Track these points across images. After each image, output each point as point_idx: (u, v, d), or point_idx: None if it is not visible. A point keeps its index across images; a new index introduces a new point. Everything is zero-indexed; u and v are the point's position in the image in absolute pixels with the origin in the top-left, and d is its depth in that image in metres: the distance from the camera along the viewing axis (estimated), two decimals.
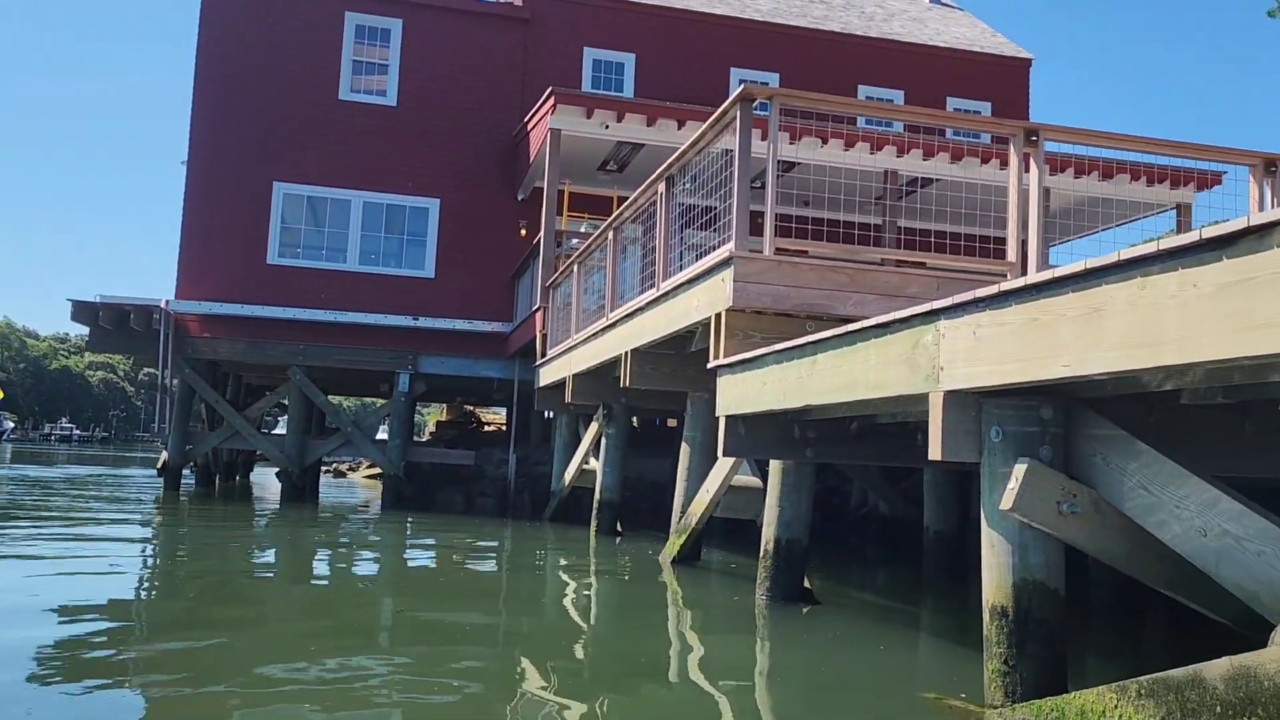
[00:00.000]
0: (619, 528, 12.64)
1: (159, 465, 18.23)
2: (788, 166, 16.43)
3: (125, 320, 17.26)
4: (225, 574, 8.66)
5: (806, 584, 7.60)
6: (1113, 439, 4.18)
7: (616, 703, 4.71)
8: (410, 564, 10.61)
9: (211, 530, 12.81)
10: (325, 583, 8.69)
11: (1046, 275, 3.85)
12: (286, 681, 4.71)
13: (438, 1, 19.00)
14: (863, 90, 20.92)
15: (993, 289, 4.18)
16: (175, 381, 17.43)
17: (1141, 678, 3.49)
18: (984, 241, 10.12)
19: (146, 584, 8.21)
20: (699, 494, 9.02)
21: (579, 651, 5.98)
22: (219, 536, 11.98)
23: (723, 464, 8.54)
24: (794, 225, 9.17)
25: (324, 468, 34.08)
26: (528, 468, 18.38)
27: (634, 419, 21.14)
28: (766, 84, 20.40)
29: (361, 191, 18.35)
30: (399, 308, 18.15)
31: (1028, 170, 7.80)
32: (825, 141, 15.67)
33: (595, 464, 13.24)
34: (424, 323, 18.11)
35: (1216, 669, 3.20)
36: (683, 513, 9.58)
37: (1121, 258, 3.45)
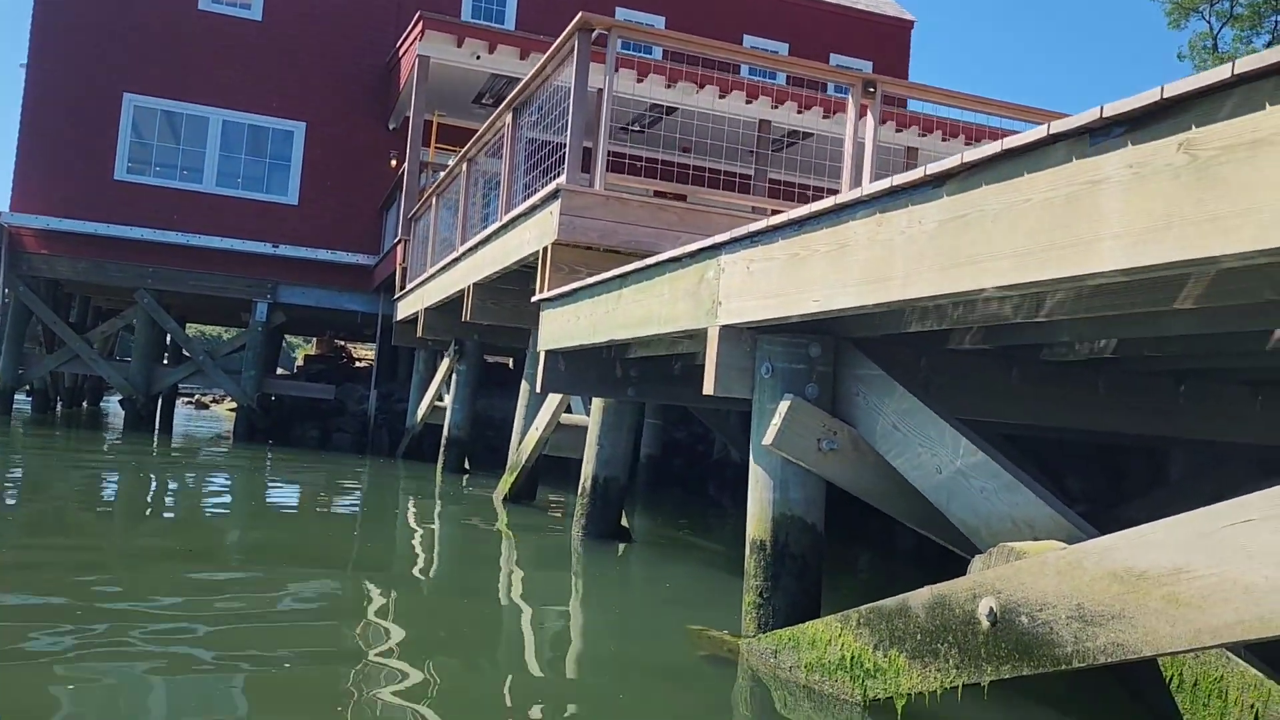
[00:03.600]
0: (467, 465, 12.51)
1: None
2: (667, 110, 16.33)
3: None
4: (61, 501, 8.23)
5: (624, 522, 7.64)
6: (873, 379, 4.23)
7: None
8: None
9: (47, 457, 12.19)
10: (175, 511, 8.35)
11: (805, 211, 3.84)
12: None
13: None
14: (748, 39, 20.88)
15: (762, 223, 4.17)
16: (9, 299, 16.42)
17: (861, 607, 3.58)
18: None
19: None
20: (529, 432, 8.96)
21: (398, 586, 5.88)
22: (55, 463, 11.41)
23: (551, 401, 8.48)
24: (674, 170, 9.14)
25: (185, 398, 32.87)
26: (390, 404, 18.02)
27: (510, 360, 21.02)
28: (652, 25, 20.18)
29: (222, 109, 17.47)
30: (259, 234, 17.43)
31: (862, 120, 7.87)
32: (701, 87, 15.53)
33: (448, 400, 13.03)
34: (285, 251, 17.47)
35: (919, 598, 3.29)
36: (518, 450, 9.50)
37: (864, 194, 3.46)
